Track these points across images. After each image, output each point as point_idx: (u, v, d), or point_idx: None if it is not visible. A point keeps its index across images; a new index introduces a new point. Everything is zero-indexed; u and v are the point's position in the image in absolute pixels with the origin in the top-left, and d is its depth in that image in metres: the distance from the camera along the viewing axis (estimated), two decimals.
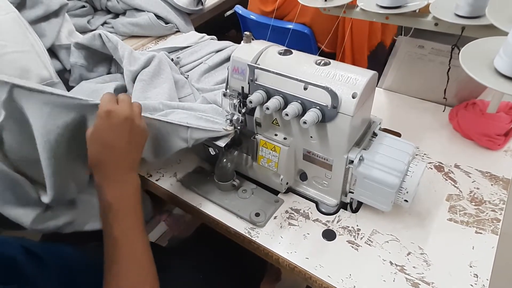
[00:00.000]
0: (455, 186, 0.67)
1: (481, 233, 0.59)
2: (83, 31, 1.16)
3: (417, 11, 0.70)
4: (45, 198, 0.58)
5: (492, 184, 0.67)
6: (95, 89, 0.82)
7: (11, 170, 0.55)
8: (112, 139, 0.50)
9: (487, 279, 0.53)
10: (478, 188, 0.66)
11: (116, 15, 1.30)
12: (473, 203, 0.64)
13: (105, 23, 1.28)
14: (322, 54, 1.31)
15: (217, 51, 1.01)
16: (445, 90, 0.77)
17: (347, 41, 1.23)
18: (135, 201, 0.51)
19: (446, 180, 0.68)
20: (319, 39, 1.28)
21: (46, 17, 0.93)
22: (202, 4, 1.33)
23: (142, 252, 0.50)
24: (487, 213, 0.62)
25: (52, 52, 0.93)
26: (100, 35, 0.87)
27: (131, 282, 0.47)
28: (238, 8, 1.37)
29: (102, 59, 0.94)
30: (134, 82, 0.86)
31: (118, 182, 0.50)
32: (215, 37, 1.12)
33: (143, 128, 0.54)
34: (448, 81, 0.76)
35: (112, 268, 0.47)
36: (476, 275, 0.53)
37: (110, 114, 0.49)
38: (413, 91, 0.89)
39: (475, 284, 0.52)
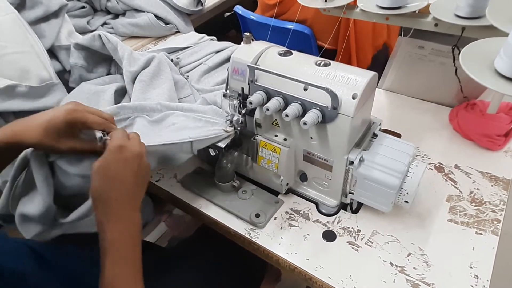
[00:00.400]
0: (455, 187, 0.67)
1: (481, 233, 0.59)
2: (82, 31, 1.16)
3: (417, 11, 0.70)
4: (67, 218, 0.56)
5: (492, 185, 0.67)
6: (95, 91, 0.82)
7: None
8: (121, 173, 0.49)
9: (488, 280, 0.53)
10: (478, 189, 0.66)
11: (116, 16, 1.30)
12: (473, 204, 0.64)
13: (104, 23, 1.28)
14: (324, 51, 1.31)
15: (217, 52, 1.01)
16: (461, 88, 0.77)
17: (350, 38, 1.23)
18: (136, 243, 0.50)
19: (446, 180, 0.68)
20: (321, 36, 1.27)
21: (45, 18, 0.93)
22: (202, 4, 1.33)
23: None
24: (487, 214, 0.62)
25: (52, 52, 0.93)
26: (99, 36, 0.87)
27: None
28: (238, 9, 1.37)
29: (102, 59, 0.94)
30: (134, 83, 0.86)
31: (121, 221, 0.49)
32: (215, 37, 1.12)
33: (148, 167, 0.54)
34: (459, 81, 0.76)
35: None
36: (477, 276, 0.53)
37: (122, 149, 0.50)
38: (413, 92, 0.89)
39: (476, 285, 0.52)
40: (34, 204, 0.55)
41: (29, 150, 0.55)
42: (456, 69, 0.75)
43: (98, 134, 0.54)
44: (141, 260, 0.49)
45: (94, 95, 0.81)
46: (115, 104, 0.78)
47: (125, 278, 0.47)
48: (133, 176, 0.50)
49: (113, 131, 0.53)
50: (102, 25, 1.27)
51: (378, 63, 1.28)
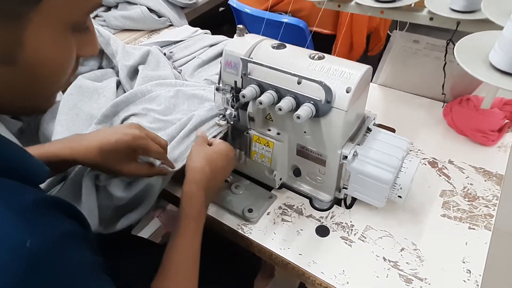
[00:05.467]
0: (449, 182, 0.67)
1: (474, 229, 0.59)
2: None
3: (413, 5, 0.69)
4: (116, 226, 0.59)
5: (485, 180, 0.67)
6: (94, 89, 0.81)
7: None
8: (225, 167, 0.58)
9: (480, 275, 0.53)
10: (471, 184, 0.66)
11: (108, 8, 1.28)
12: (467, 199, 0.64)
13: (96, 16, 1.26)
14: (323, 37, 1.30)
15: (211, 46, 1.00)
16: (443, 85, 0.77)
17: (349, 23, 1.23)
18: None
19: (440, 176, 0.68)
20: (319, 22, 1.27)
21: None
22: None
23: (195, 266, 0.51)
24: (480, 209, 0.62)
25: None
26: None
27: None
28: (233, 2, 1.35)
29: None
30: (129, 77, 0.85)
31: (206, 202, 0.53)
32: (209, 31, 1.10)
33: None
34: (445, 77, 0.75)
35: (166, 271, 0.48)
36: (469, 270, 0.53)
37: (229, 148, 0.60)
38: (408, 87, 0.88)
39: (468, 279, 0.52)
40: None
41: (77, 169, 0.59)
42: (445, 64, 0.75)
43: (157, 162, 0.58)
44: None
45: (94, 93, 0.80)
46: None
47: (195, 250, 0.51)
48: (228, 169, 0.59)
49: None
50: (93, 18, 1.25)
51: (371, 46, 1.29)
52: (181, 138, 0.66)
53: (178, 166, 0.61)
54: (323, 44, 1.24)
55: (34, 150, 0.51)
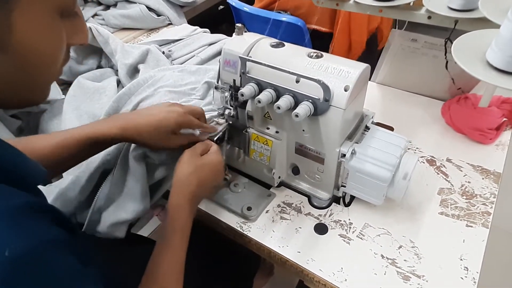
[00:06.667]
0: (447, 180, 0.67)
1: (471, 226, 0.59)
2: None
3: (411, 4, 0.70)
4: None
5: (483, 178, 0.67)
6: (95, 90, 0.81)
7: None
8: (213, 174, 0.57)
9: (477, 272, 0.53)
10: (469, 182, 0.66)
11: (107, 7, 1.28)
12: (464, 197, 0.64)
13: (95, 15, 1.26)
14: (320, 34, 1.30)
15: (210, 44, 1.00)
16: (453, 80, 0.77)
17: (347, 21, 1.23)
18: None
19: (438, 174, 0.68)
20: (317, 20, 1.27)
21: None
22: None
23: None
24: (478, 207, 0.62)
25: None
26: (90, 28, 0.86)
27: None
28: (232, 0, 1.35)
29: (92, 51, 0.93)
30: (129, 76, 0.85)
31: (192, 212, 0.54)
32: (208, 30, 1.10)
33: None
34: (450, 75, 0.75)
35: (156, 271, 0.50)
36: (467, 268, 0.54)
37: (219, 155, 0.58)
38: (406, 85, 0.88)
39: (466, 277, 0.53)
40: (126, 211, 0.61)
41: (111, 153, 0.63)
42: (447, 62, 0.75)
43: (197, 131, 0.61)
44: None
45: (95, 93, 0.81)
46: None
47: (181, 263, 0.52)
48: (216, 181, 0.58)
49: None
50: (92, 16, 1.25)
51: (371, 46, 1.28)
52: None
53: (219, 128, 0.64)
54: (321, 42, 1.24)
55: (76, 131, 0.54)
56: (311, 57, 0.56)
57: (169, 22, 1.25)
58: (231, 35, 0.63)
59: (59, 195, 0.61)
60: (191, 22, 1.28)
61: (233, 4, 1.34)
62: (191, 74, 0.78)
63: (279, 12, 1.31)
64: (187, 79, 0.78)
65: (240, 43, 0.59)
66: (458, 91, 0.80)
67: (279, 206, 0.65)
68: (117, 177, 0.62)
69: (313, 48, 0.59)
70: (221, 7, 1.64)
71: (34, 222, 0.29)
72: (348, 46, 1.31)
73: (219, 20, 1.77)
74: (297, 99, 0.54)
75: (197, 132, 0.61)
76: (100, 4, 1.28)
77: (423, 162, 0.71)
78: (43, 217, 0.31)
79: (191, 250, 0.77)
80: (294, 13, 1.31)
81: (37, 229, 0.29)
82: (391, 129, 0.77)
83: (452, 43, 0.53)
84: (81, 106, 0.77)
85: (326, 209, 0.64)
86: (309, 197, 0.66)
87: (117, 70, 0.87)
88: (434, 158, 0.72)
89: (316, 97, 0.52)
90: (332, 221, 0.62)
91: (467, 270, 0.53)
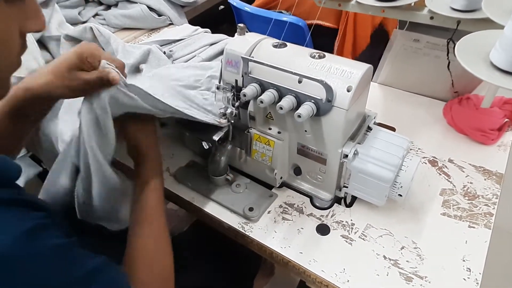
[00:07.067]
0: (449, 181, 0.67)
1: (474, 227, 0.59)
2: (74, 22, 1.14)
3: (413, 4, 0.69)
4: None
5: (485, 179, 0.67)
6: None
7: None
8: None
9: (480, 273, 0.53)
10: (471, 183, 0.66)
11: (108, 7, 1.28)
12: (467, 198, 0.64)
13: (96, 14, 1.25)
14: (324, 30, 1.30)
15: (211, 44, 1.00)
16: (452, 83, 0.77)
17: (352, 16, 1.22)
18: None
19: (440, 174, 0.68)
20: (321, 15, 1.26)
21: None
22: None
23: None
24: (480, 208, 0.62)
25: (41, 43, 0.91)
26: (91, 28, 0.86)
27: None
28: (233, 0, 1.35)
29: None
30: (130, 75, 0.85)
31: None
32: (209, 30, 1.10)
33: None
34: (451, 75, 0.75)
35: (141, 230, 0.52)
36: (469, 269, 0.54)
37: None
38: (408, 86, 0.88)
39: (468, 278, 0.52)
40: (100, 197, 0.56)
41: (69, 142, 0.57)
42: (449, 63, 0.75)
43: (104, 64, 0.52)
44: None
45: None
46: None
47: (161, 204, 0.55)
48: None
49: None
50: (93, 16, 1.24)
51: (376, 42, 1.28)
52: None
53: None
54: (323, 40, 1.23)
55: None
56: (313, 57, 0.56)
57: (170, 22, 1.25)
58: (232, 35, 0.63)
59: (44, 195, 0.59)
60: (192, 22, 1.27)
61: (234, 4, 1.34)
62: (196, 68, 0.78)
63: (280, 12, 1.31)
64: (191, 72, 0.78)
65: (242, 43, 0.59)
66: (455, 93, 0.80)
67: (281, 206, 0.65)
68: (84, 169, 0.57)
69: (315, 44, 0.58)
70: (222, 7, 1.64)
71: (12, 215, 0.31)
72: (353, 40, 1.30)
73: (220, 20, 1.77)
74: (300, 99, 0.54)
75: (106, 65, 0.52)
76: (101, 4, 1.28)
77: (425, 163, 0.71)
78: (20, 208, 0.32)
79: (192, 250, 0.77)
80: (296, 10, 1.30)
81: (16, 220, 0.31)
82: (393, 129, 0.77)
83: (454, 43, 0.53)
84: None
85: (328, 210, 0.64)
86: (311, 198, 0.66)
87: None
88: (436, 158, 0.71)
89: (319, 98, 0.52)
90: (334, 222, 0.61)
91: (470, 271, 0.53)
